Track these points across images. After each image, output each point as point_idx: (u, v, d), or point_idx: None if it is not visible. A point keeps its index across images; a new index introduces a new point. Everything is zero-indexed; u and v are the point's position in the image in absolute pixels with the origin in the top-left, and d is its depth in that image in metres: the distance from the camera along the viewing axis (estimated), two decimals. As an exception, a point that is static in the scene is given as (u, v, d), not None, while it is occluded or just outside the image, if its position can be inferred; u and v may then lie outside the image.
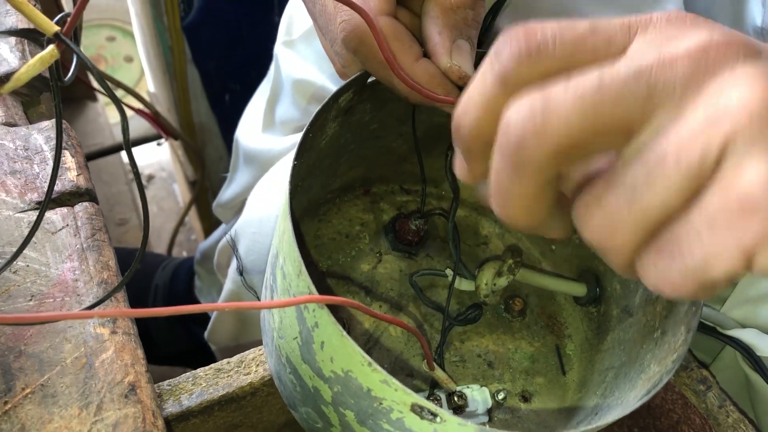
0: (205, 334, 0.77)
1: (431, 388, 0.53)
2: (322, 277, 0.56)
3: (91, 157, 1.22)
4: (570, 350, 0.58)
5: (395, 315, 0.56)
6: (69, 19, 0.34)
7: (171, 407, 0.48)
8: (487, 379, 0.56)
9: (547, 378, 0.57)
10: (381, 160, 0.56)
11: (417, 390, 0.52)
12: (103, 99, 1.39)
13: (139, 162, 1.61)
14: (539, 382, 0.56)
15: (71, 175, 0.48)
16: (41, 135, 0.51)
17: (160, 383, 0.50)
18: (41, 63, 0.35)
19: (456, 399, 0.52)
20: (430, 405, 0.35)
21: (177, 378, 0.51)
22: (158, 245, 1.46)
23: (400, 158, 0.57)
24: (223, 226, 0.89)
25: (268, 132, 0.73)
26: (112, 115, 1.44)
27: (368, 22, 0.38)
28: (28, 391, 0.39)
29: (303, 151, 0.42)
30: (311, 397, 0.43)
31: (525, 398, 0.56)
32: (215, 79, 1.20)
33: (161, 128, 1.03)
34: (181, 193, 1.50)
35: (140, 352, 0.43)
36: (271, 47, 0.75)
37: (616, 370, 0.51)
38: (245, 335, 0.73)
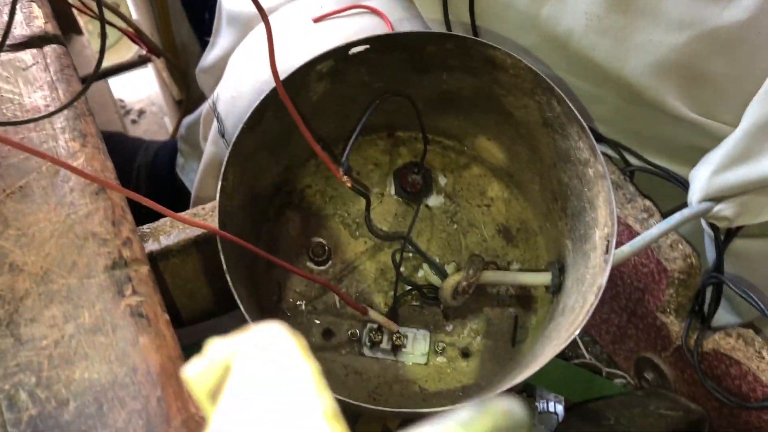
0: (192, 201, 0.80)
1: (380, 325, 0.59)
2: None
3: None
4: (531, 324, 0.60)
5: (378, 250, 0.62)
6: None
7: (151, 246, 0.53)
8: (438, 328, 0.61)
9: (496, 344, 0.60)
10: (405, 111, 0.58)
11: (371, 321, 0.59)
12: (88, 32, 1.42)
13: (130, 97, 1.64)
14: (485, 344, 0.60)
15: (39, 23, 0.52)
16: (10, -12, 0.55)
17: (141, 226, 0.54)
18: None
19: (394, 339, 0.59)
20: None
21: (156, 222, 0.55)
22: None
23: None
24: (207, 103, 0.90)
25: None
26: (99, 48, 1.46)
27: None
28: (8, 191, 0.44)
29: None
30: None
31: (465, 354, 0.60)
32: (194, -4, 1.22)
33: (144, 44, 1.06)
34: (171, 123, 1.53)
35: (109, 164, 0.47)
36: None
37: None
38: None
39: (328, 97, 0.56)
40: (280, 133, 0.55)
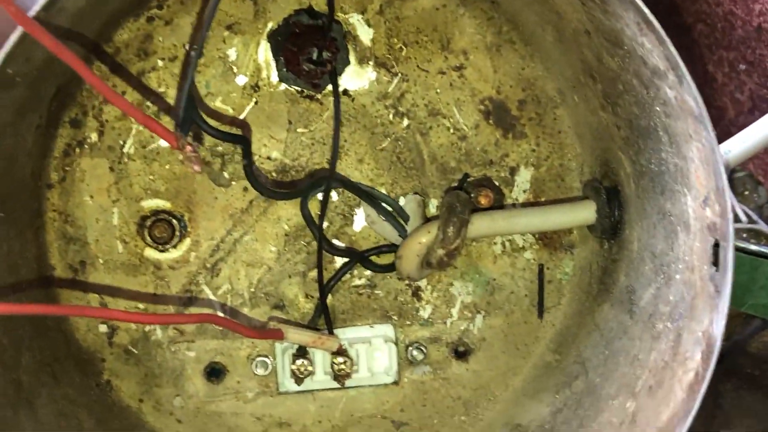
0: None
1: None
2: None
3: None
4: (564, 273, 0.35)
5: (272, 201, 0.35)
6: None
7: None
8: (405, 317, 0.36)
9: (509, 319, 0.36)
10: None
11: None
12: None
13: None
14: (493, 326, 0.36)
15: None
16: None
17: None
18: None
19: (336, 366, 0.34)
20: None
21: None
22: None
23: None
24: None
25: None
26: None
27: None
28: None
29: None
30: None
31: (459, 353, 0.36)
32: None
33: None
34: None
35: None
36: None
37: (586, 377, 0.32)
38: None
39: None
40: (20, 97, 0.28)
